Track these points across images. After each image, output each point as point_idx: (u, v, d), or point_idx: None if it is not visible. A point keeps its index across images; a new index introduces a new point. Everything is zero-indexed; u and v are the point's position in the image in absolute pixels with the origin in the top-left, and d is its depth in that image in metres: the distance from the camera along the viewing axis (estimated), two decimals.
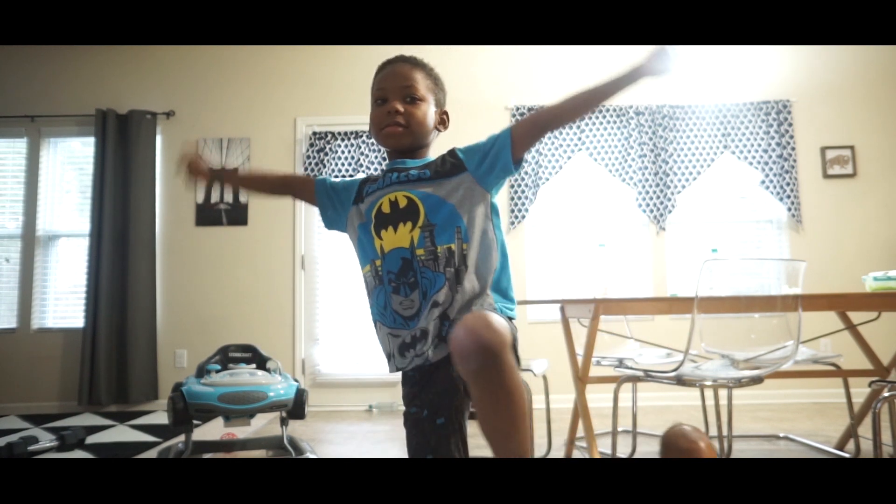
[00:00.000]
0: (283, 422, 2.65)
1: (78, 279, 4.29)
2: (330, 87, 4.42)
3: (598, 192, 4.30)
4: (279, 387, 2.51)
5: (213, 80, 4.48)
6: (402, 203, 1.16)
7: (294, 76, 4.45)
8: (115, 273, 4.18)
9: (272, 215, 4.34)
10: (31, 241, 4.37)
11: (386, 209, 1.18)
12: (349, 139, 4.30)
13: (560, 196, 4.31)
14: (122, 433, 3.36)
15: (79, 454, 2.87)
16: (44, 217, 4.41)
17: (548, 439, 2.78)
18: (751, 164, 4.20)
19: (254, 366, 2.71)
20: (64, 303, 4.36)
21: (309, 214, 4.35)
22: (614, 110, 4.24)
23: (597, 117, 4.24)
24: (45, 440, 3.06)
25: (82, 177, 4.45)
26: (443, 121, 1.32)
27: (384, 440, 3.19)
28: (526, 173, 4.22)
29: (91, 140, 4.33)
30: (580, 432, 2.41)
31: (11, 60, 4.49)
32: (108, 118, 4.29)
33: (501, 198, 4.24)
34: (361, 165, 4.24)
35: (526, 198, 4.21)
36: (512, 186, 4.23)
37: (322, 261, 4.34)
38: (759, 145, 4.20)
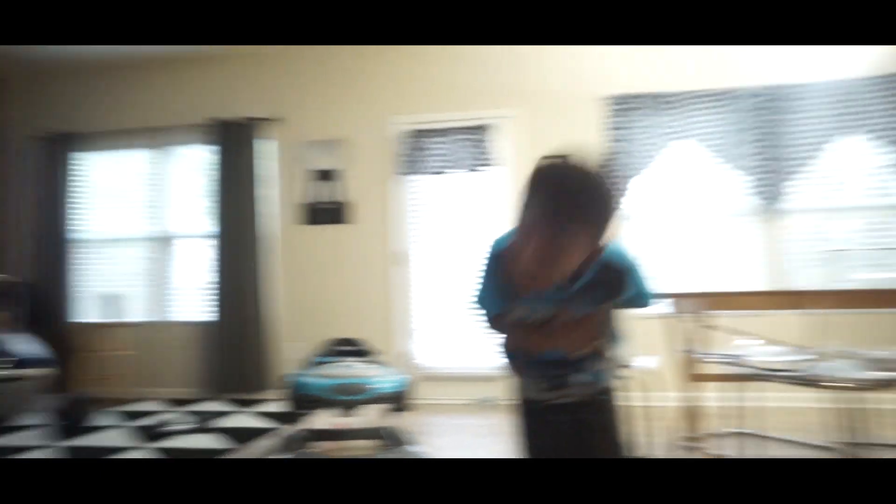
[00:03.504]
0: (389, 413, 2.78)
1: (204, 277, 4.69)
2: (422, 87, 4.52)
3: (703, 180, 4.10)
4: (383, 379, 2.63)
5: (315, 85, 4.71)
6: None
7: (388, 77, 4.59)
8: (234, 271, 4.53)
9: (372, 213, 4.51)
10: (163, 243, 4.84)
11: None
12: (442, 136, 4.38)
13: (660, 186, 4.15)
14: (245, 419, 3.66)
15: (209, 437, 3.16)
16: (172, 220, 4.86)
17: (649, 439, 2.72)
18: (875, 143, 3.83)
19: (360, 358, 2.86)
20: (194, 298, 4.78)
21: (405, 211, 4.48)
22: (718, 93, 4.02)
23: (699, 101, 4.03)
24: (182, 422, 3.40)
25: (204, 182, 4.83)
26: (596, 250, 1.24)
27: (488, 434, 3.25)
28: (618, 163, 4.10)
29: (208, 147, 4.70)
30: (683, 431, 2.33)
31: (138, 78, 4.96)
32: (223, 126, 4.65)
33: None
34: (453, 161, 4.32)
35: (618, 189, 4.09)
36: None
37: (421, 256, 4.46)
38: (883, 123, 3.82)
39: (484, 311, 1.34)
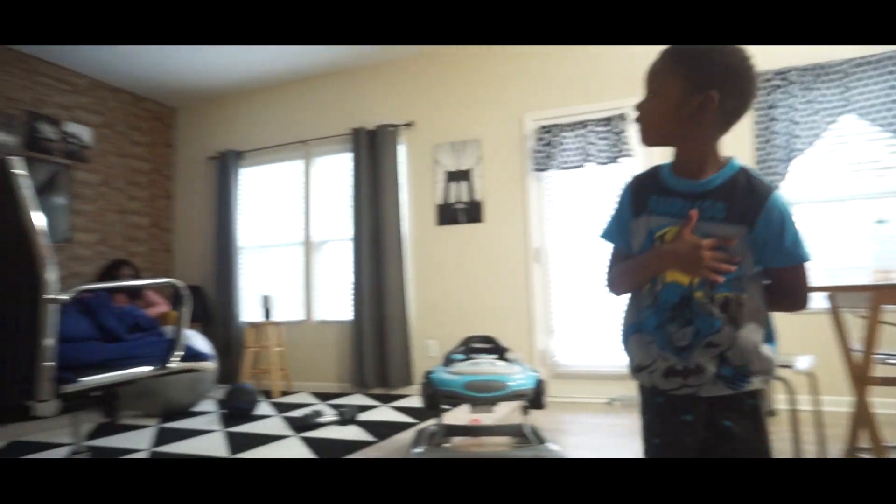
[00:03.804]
0: (524, 411, 2.74)
1: (345, 278, 4.95)
2: (553, 81, 4.43)
3: (872, 159, 3.60)
4: (519, 377, 2.59)
5: (443, 89, 4.80)
6: None
7: (517, 74, 4.55)
8: (372, 272, 4.74)
9: (506, 212, 4.49)
10: (309, 247, 5.18)
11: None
12: (575, 130, 4.25)
13: (821, 167, 3.71)
14: (385, 413, 3.80)
15: (353, 429, 3.31)
16: (316, 225, 5.19)
17: (819, 447, 2.43)
18: None
19: (494, 356, 2.85)
20: (336, 299, 5.07)
21: (540, 208, 4.41)
22: (887, 58, 3.51)
23: (864, 70, 3.55)
24: (329, 414, 3.60)
25: (343, 188, 5.11)
26: (702, 107, 1.06)
27: (625, 434, 3.10)
28: (775, 146, 3.72)
29: (348, 155, 4.96)
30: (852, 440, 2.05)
31: (287, 96, 5.37)
32: (360, 134, 4.87)
33: None
34: (590, 155, 4.16)
35: (776, 173, 3.71)
36: (759, 162, 3.77)
37: (557, 253, 4.36)
38: None
39: (609, 247, 1.24)
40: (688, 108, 1.07)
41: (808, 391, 2.45)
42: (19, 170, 1.39)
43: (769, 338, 1.10)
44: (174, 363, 1.72)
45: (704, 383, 1.09)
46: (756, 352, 1.07)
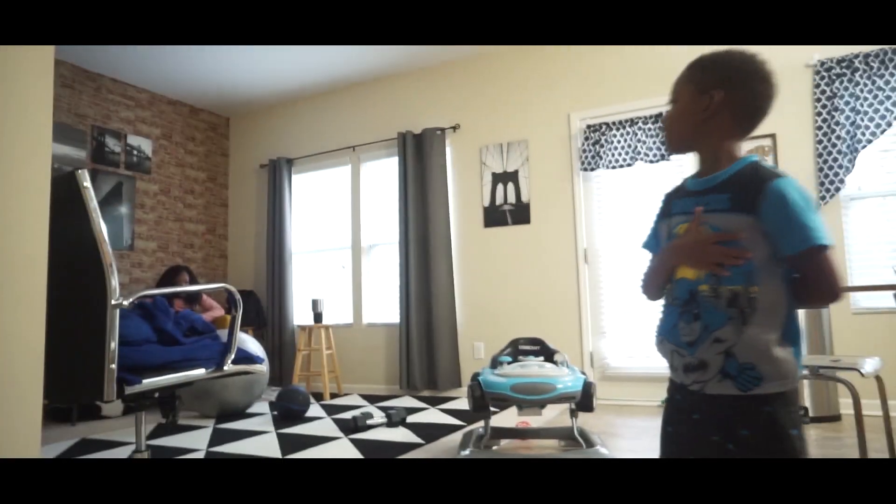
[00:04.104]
0: (573, 413, 2.71)
1: (393, 281, 5.01)
2: (600, 78, 4.37)
3: None
4: (567, 379, 2.57)
5: (488, 91, 4.80)
6: None
7: (564, 73, 4.51)
8: (420, 275, 4.78)
9: (554, 212, 4.46)
10: (357, 251, 5.27)
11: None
12: (624, 128, 4.19)
13: (890, 159, 3.54)
14: (433, 415, 3.82)
15: (402, 431, 3.35)
16: (365, 229, 5.27)
17: (889, 453, 2.31)
18: None
19: (542, 358, 2.83)
20: (384, 302, 5.13)
21: (589, 208, 4.35)
22: None
23: None
24: (378, 417, 3.65)
25: (391, 192, 5.17)
26: (709, 107, 1.10)
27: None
28: (838, 137, 3.57)
29: (395, 160, 5.03)
30: None
31: (335, 104, 5.48)
32: (406, 139, 4.93)
33: (806, 168, 3.67)
34: (639, 153, 4.09)
35: (840, 166, 3.56)
36: (821, 155, 3.62)
37: (606, 254, 4.30)
38: None
39: (647, 257, 1.26)
40: (698, 111, 1.11)
41: (872, 395, 2.33)
42: (86, 182, 1.48)
43: (787, 338, 1.05)
44: (228, 366, 1.78)
45: (709, 380, 1.06)
46: (766, 351, 1.02)
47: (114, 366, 1.42)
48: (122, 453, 3.04)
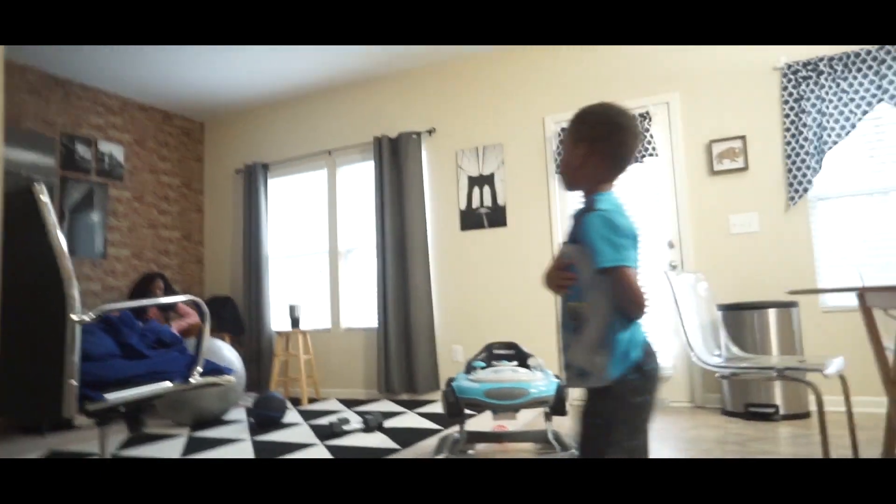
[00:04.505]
0: (548, 417, 2.73)
1: (371, 285, 4.99)
2: (574, 81, 4.40)
3: None
4: (540, 383, 2.58)
5: (464, 95, 4.81)
6: None
7: (538, 76, 4.53)
8: (397, 279, 4.77)
9: (530, 215, 4.48)
10: (334, 255, 5.24)
11: None
12: None
13: (855, 160, 3.62)
14: (411, 420, 3.82)
15: (378, 436, 3.34)
16: (342, 233, 5.25)
17: (852, 451, 2.36)
18: None
19: (516, 363, 2.84)
20: (362, 306, 5.12)
21: (565, 210, 4.38)
22: None
23: None
24: (355, 422, 3.64)
25: (367, 196, 5.16)
26: (580, 155, 1.31)
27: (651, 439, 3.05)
28: (805, 139, 3.63)
29: (371, 164, 5.01)
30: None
31: (310, 108, 5.45)
32: (382, 143, 4.92)
33: (775, 168, 3.74)
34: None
35: (807, 167, 3.62)
36: (789, 156, 3.69)
37: None
38: None
39: None
40: (574, 158, 1.33)
41: (840, 393, 2.38)
42: (44, 196, 1.45)
43: (606, 345, 1.24)
44: (195, 378, 1.76)
45: (570, 378, 1.32)
46: (588, 355, 1.26)
47: (74, 381, 1.40)
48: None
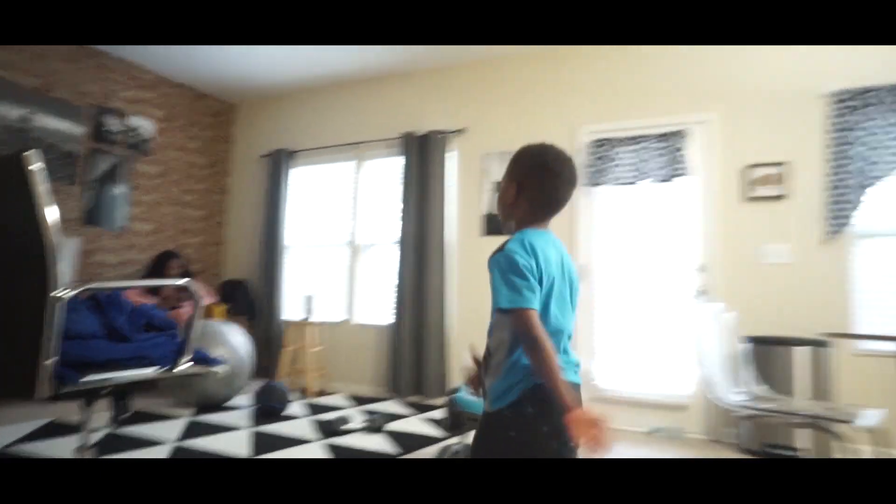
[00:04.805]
0: None
1: (387, 282, 4.92)
2: (610, 93, 4.26)
3: None
4: None
5: (496, 97, 4.70)
6: None
7: (574, 85, 4.40)
8: (415, 278, 4.68)
9: (553, 226, 4.33)
10: (354, 250, 5.18)
11: None
12: (631, 145, 4.07)
13: None
14: (414, 424, 3.72)
15: (380, 438, 3.25)
16: (362, 227, 5.18)
17: None
18: None
19: None
20: (376, 303, 5.04)
21: (590, 223, 4.24)
22: None
23: None
24: (357, 421, 3.56)
25: (392, 192, 5.08)
26: (515, 202, 1.38)
27: None
28: (848, 171, 3.44)
29: (397, 159, 4.93)
30: None
31: (340, 98, 5.39)
32: (410, 139, 4.84)
33: (813, 200, 3.55)
34: (644, 172, 3.98)
35: (847, 201, 3.43)
36: (830, 188, 3.50)
37: (605, 271, 4.18)
38: None
39: None
40: (507, 196, 1.38)
41: (879, 444, 2.21)
42: (36, 164, 1.39)
43: (502, 376, 1.30)
44: (181, 366, 1.69)
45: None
46: (487, 381, 1.35)
47: (49, 361, 1.34)
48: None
